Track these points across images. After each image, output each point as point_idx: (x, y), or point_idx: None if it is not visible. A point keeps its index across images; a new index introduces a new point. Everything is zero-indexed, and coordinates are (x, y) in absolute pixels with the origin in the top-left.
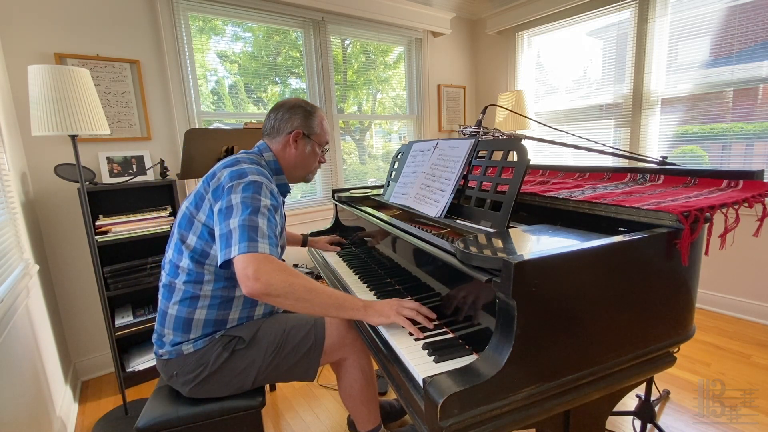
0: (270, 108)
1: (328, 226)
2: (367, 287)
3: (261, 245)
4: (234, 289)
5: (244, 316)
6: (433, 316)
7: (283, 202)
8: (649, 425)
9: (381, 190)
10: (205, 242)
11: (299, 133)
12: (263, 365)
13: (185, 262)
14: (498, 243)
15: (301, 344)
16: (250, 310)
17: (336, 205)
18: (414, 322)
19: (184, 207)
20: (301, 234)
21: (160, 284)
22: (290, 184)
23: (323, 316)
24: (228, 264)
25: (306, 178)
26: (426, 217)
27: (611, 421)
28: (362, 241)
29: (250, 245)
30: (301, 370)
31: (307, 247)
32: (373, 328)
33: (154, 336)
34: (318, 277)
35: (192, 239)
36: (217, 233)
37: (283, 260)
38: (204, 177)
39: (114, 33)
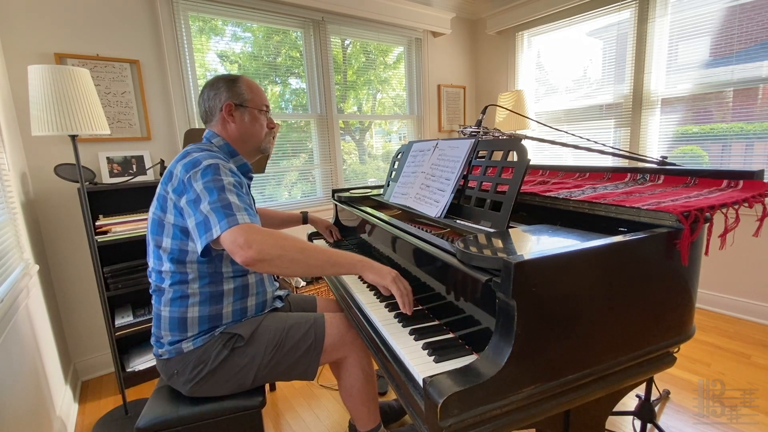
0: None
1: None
2: (367, 287)
3: (240, 217)
4: (221, 283)
5: (238, 309)
6: (411, 309)
7: (249, 185)
8: (649, 425)
9: (381, 190)
10: (180, 241)
11: (230, 105)
12: (263, 363)
13: (167, 266)
14: (498, 243)
15: (301, 342)
16: (242, 302)
17: (336, 205)
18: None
19: (151, 214)
20: (300, 212)
21: (150, 291)
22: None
23: (325, 274)
24: (208, 252)
25: (262, 150)
26: (426, 217)
27: (611, 421)
28: (362, 240)
29: (230, 220)
30: (301, 368)
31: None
32: (373, 327)
33: (152, 338)
34: (318, 277)
35: (167, 242)
36: (192, 224)
37: None
38: (161, 179)
39: (114, 33)
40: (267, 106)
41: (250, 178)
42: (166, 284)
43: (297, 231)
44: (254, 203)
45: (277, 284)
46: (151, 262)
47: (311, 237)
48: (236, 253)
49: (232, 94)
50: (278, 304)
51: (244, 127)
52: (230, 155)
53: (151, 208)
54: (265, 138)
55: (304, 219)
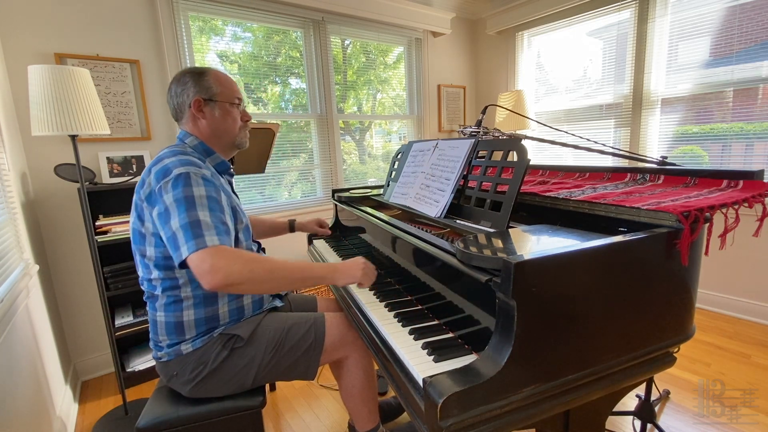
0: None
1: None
2: (367, 287)
3: (209, 239)
4: None
5: (234, 308)
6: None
7: (231, 183)
8: (649, 425)
9: (381, 190)
10: (163, 249)
11: (199, 100)
12: (263, 363)
13: (155, 273)
14: (498, 243)
15: (301, 342)
16: (237, 302)
17: (336, 205)
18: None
19: (131, 223)
20: (287, 219)
21: (144, 297)
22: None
23: (298, 289)
24: (185, 264)
25: (237, 144)
26: (426, 217)
27: (611, 421)
28: (362, 241)
29: (197, 242)
30: (301, 368)
31: (307, 249)
32: (373, 327)
33: (151, 343)
34: None
35: (150, 251)
36: (163, 237)
37: (259, 245)
38: (136, 187)
39: (114, 33)
40: (239, 99)
41: (231, 175)
42: (158, 291)
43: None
44: (239, 200)
45: None
46: (139, 271)
47: (311, 237)
48: (202, 278)
49: (200, 88)
50: (278, 303)
51: (215, 122)
52: (206, 154)
53: (131, 218)
54: (240, 132)
55: (291, 227)
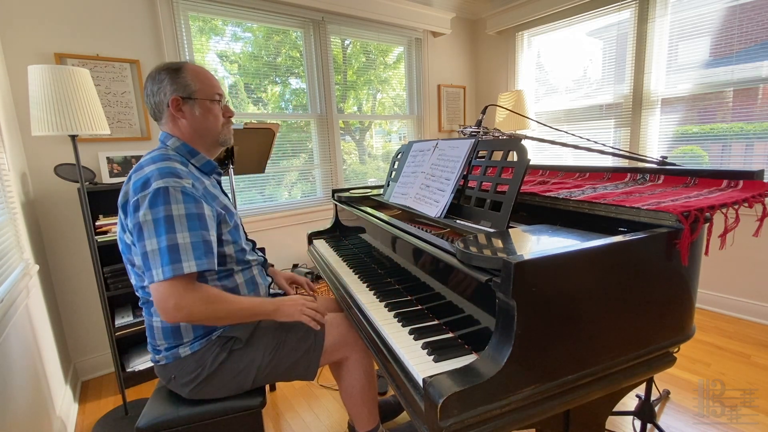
0: None
1: (328, 226)
2: (367, 287)
3: (186, 264)
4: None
5: None
6: (321, 315)
7: (219, 181)
8: (649, 425)
9: (381, 190)
10: None
11: (176, 99)
12: (262, 365)
13: (147, 282)
14: (498, 243)
15: (301, 343)
16: None
17: (336, 205)
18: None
19: (118, 233)
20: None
21: (140, 303)
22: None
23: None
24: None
25: (222, 142)
26: (426, 217)
27: (611, 421)
28: (362, 241)
29: (174, 267)
30: (301, 369)
31: (307, 249)
32: (373, 327)
33: (149, 347)
34: (318, 277)
35: (138, 261)
36: (137, 251)
37: (254, 244)
38: (119, 196)
39: (114, 33)
40: (220, 94)
41: (220, 174)
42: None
43: (297, 229)
44: (229, 198)
45: (270, 279)
46: (132, 279)
47: (311, 237)
48: (163, 312)
49: (177, 86)
50: None
51: (196, 121)
52: (190, 155)
53: (117, 227)
54: (223, 129)
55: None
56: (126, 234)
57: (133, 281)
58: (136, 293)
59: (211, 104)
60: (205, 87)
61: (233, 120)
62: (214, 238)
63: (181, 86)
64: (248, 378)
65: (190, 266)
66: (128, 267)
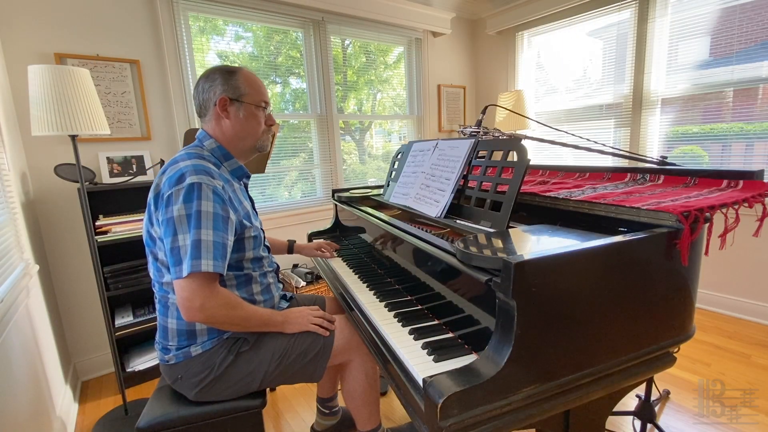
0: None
1: (328, 226)
2: (367, 287)
3: (204, 262)
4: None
5: None
6: (333, 323)
7: (246, 185)
8: (649, 425)
9: (381, 190)
10: None
11: (224, 99)
12: (269, 370)
13: (167, 278)
14: (498, 243)
15: (310, 348)
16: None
17: (336, 205)
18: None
19: (144, 224)
20: (287, 240)
21: (156, 301)
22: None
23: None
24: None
25: (258, 148)
26: (426, 217)
27: (611, 421)
28: (362, 241)
29: (194, 264)
30: (308, 373)
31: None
32: (373, 327)
33: (158, 345)
34: (318, 278)
35: (162, 255)
36: (165, 245)
37: (268, 250)
38: (152, 186)
39: (114, 33)
40: (266, 102)
41: (248, 177)
42: (170, 296)
43: (297, 228)
44: (253, 204)
45: (281, 285)
46: (151, 272)
47: (311, 237)
48: (185, 309)
49: (228, 87)
50: (283, 305)
51: (239, 123)
52: (224, 158)
53: (144, 218)
54: (263, 136)
55: (290, 249)
56: (153, 228)
57: (152, 275)
58: (153, 287)
59: (256, 110)
60: (254, 93)
61: (274, 129)
62: (230, 244)
63: (231, 87)
64: (254, 382)
65: (207, 265)
66: (149, 259)
